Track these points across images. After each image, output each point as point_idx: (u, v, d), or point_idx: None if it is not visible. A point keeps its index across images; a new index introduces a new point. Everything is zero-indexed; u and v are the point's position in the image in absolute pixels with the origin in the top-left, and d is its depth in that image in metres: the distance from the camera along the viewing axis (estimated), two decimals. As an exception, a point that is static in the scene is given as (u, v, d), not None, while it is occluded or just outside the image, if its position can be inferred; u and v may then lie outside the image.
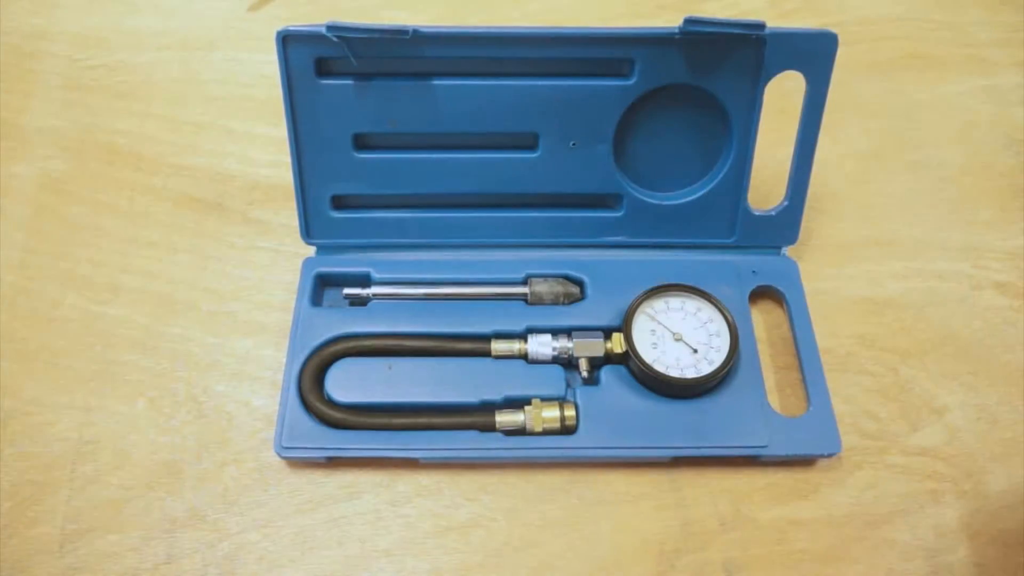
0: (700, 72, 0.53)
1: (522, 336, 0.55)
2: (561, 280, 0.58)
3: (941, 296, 0.61)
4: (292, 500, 0.52)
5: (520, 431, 0.51)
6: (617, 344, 0.54)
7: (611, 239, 0.60)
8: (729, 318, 0.54)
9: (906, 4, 0.82)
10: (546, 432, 0.51)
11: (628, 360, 0.53)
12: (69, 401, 0.56)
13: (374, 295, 0.58)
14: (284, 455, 0.52)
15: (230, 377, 0.57)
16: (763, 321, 0.60)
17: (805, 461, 0.53)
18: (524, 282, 0.59)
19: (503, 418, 0.51)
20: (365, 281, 0.59)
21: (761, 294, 0.60)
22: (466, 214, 0.59)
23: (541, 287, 0.58)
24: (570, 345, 0.54)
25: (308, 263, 0.59)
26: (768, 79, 0.54)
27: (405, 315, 0.56)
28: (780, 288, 0.59)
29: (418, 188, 0.58)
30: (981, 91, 0.75)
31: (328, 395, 0.54)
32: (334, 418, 0.52)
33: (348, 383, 0.54)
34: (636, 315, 0.55)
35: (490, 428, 0.52)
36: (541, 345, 0.54)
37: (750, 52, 0.53)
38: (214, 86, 0.73)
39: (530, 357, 0.54)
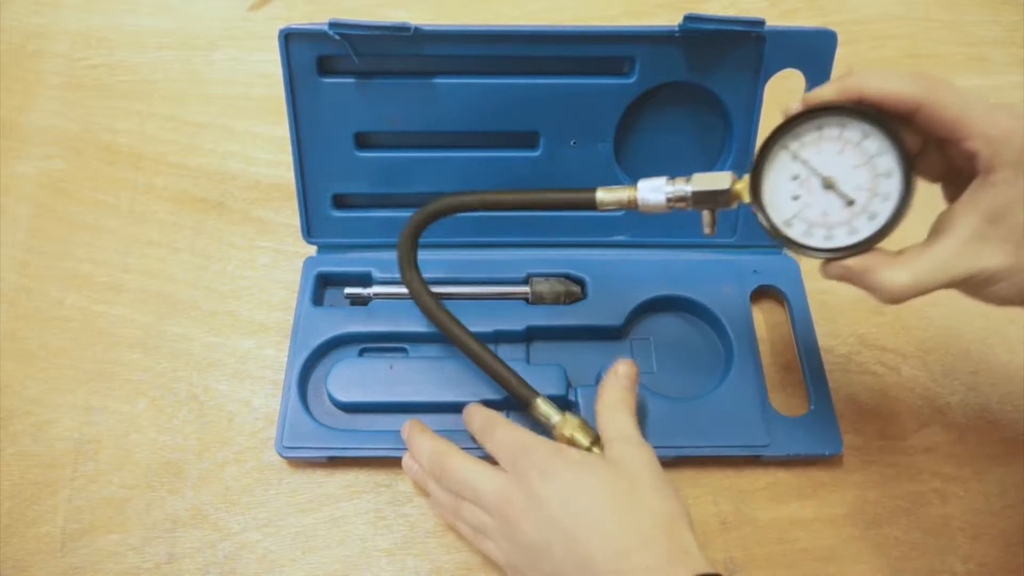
0: (700, 70, 0.53)
1: (632, 184, 0.46)
2: (562, 279, 0.58)
3: (942, 295, 0.61)
4: (293, 499, 0.52)
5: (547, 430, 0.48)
6: (745, 189, 0.41)
7: (612, 238, 0.60)
8: (905, 148, 0.38)
9: (907, 3, 0.82)
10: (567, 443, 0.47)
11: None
12: (70, 400, 0.56)
13: (375, 295, 0.58)
14: (285, 455, 0.52)
15: (231, 376, 0.57)
16: (764, 321, 0.59)
17: (806, 461, 0.53)
18: (525, 281, 0.59)
19: (544, 407, 0.48)
20: (366, 280, 0.59)
21: (762, 294, 0.60)
22: (467, 213, 0.59)
23: (542, 286, 0.58)
24: (687, 189, 0.43)
25: (309, 262, 0.59)
26: (768, 77, 0.54)
27: (406, 315, 0.56)
28: (781, 288, 0.59)
29: (419, 187, 0.58)
30: (982, 90, 0.75)
31: (329, 394, 0.54)
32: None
33: (348, 383, 0.54)
34: (774, 151, 0.40)
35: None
36: (653, 191, 0.44)
37: (750, 50, 0.53)
38: (214, 85, 0.73)
39: (640, 204, 0.45)
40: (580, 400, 0.53)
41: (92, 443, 0.54)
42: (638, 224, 0.60)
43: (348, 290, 0.58)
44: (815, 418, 0.53)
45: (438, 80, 0.53)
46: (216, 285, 0.61)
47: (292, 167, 0.56)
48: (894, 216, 0.38)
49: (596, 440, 0.46)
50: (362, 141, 0.56)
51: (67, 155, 0.69)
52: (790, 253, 0.39)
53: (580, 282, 0.59)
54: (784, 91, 0.56)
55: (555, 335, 0.57)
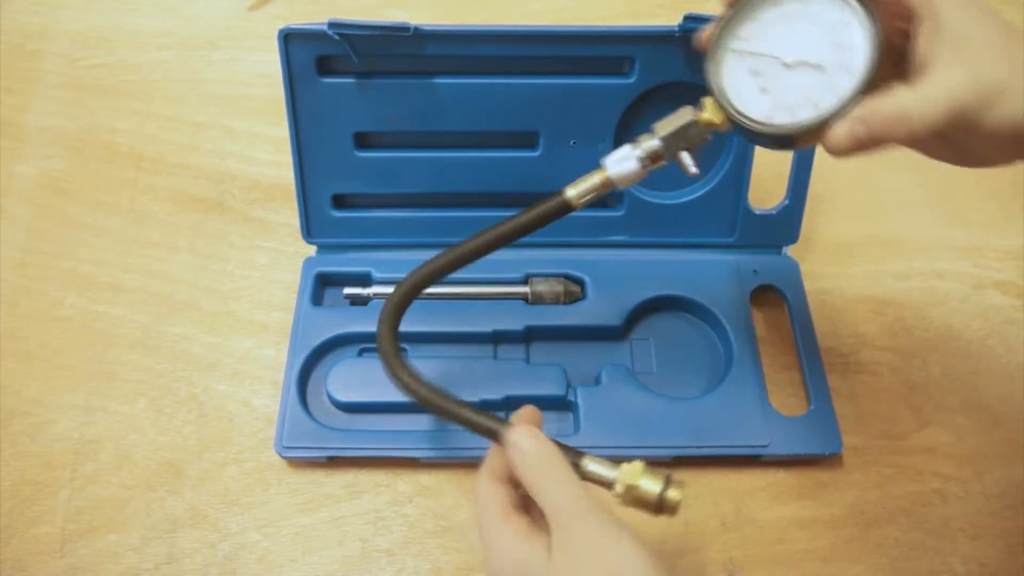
0: (700, 70, 0.53)
1: (600, 168, 0.43)
2: (561, 279, 0.58)
3: (942, 295, 0.61)
4: (293, 500, 0.52)
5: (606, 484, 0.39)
6: (712, 111, 0.39)
7: (612, 238, 0.60)
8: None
9: (907, 3, 0.82)
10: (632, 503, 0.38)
11: (736, 128, 0.39)
12: (70, 401, 0.56)
13: (375, 295, 0.58)
14: (285, 455, 0.52)
15: (231, 377, 0.57)
16: (764, 321, 0.59)
17: (806, 461, 0.53)
18: (524, 281, 0.59)
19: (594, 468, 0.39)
20: (366, 280, 0.59)
21: (762, 294, 0.60)
22: (466, 213, 0.59)
23: (541, 286, 0.58)
24: (656, 143, 0.41)
25: (309, 263, 0.59)
26: (769, 78, 0.54)
27: (406, 315, 0.56)
28: (781, 288, 0.59)
29: (419, 187, 0.58)
30: (982, 90, 0.75)
31: (328, 395, 0.54)
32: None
33: (348, 383, 0.54)
34: (721, 59, 0.39)
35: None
36: (623, 161, 0.42)
37: (751, 51, 0.53)
38: (214, 85, 0.73)
39: (616, 180, 0.43)
40: (580, 400, 0.53)
41: (92, 443, 0.54)
42: (638, 224, 0.60)
43: (347, 290, 0.58)
44: (815, 418, 0.53)
45: (438, 80, 0.53)
46: (216, 285, 0.61)
47: (292, 167, 0.56)
48: (871, 57, 0.36)
49: (668, 480, 0.37)
50: (362, 141, 0.56)
51: (67, 155, 0.69)
52: (788, 149, 0.39)
53: (580, 282, 0.59)
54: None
55: (555, 335, 0.57)
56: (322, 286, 0.60)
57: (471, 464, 0.53)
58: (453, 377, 0.54)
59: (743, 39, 0.38)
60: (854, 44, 0.36)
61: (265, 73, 0.74)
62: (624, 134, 0.57)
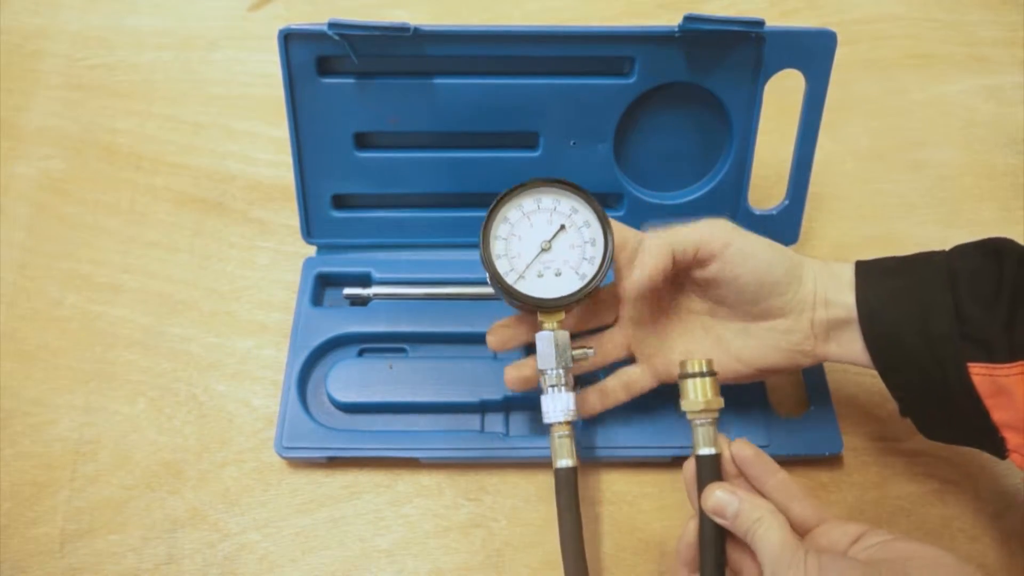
0: (700, 70, 0.53)
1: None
2: (562, 279, 0.58)
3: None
4: (293, 500, 0.52)
5: None
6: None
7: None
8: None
9: (907, 3, 0.82)
10: None
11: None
12: (69, 401, 0.56)
13: (375, 295, 0.58)
14: (285, 455, 0.52)
15: (230, 377, 0.57)
16: (764, 320, 0.59)
17: (806, 461, 0.53)
18: (525, 282, 0.59)
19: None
20: (366, 281, 0.59)
21: (762, 293, 0.60)
22: (467, 213, 0.59)
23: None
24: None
25: (309, 263, 0.59)
26: (767, 77, 0.54)
27: (406, 315, 0.56)
28: (781, 287, 0.59)
29: (419, 187, 0.58)
30: (982, 90, 0.75)
31: (328, 395, 0.54)
32: None
33: (348, 383, 0.54)
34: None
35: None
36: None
37: (749, 50, 0.53)
38: (214, 86, 0.73)
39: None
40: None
41: (91, 444, 0.54)
42: (638, 224, 0.60)
43: (347, 290, 0.58)
44: (815, 418, 0.53)
45: (438, 80, 0.53)
46: (216, 285, 0.61)
47: (292, 167, 0.56)
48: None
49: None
50: (361, 141, 0.56)
51: (67, 155, 0.69)
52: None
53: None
54: (784, 91, 0.56)
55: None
56: (322, 286, 0.60)
57: (470, 465, 0.53)
58: (454, 377, 0.54)
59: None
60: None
61: (265, 73, 0.74)
62: (624, 134, 0.57)
